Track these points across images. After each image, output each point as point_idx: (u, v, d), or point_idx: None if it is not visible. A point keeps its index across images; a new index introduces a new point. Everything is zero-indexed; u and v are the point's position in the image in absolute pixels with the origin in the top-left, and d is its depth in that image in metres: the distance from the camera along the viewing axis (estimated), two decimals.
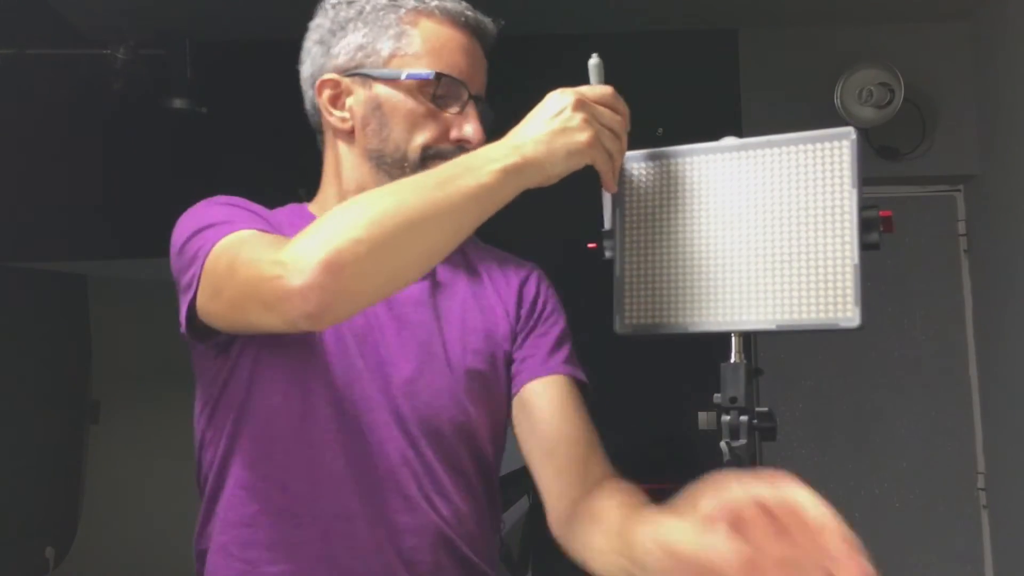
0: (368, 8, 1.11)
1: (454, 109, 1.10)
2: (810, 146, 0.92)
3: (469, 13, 1.12)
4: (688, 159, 0.98)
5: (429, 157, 1.09)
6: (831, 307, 0.88)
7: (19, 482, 3.25)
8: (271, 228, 1.01)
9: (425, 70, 1.08)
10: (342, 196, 1.12)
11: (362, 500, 1.04)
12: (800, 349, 3.35)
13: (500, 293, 1.19)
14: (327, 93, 1.12)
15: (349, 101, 1.11)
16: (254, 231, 0.97)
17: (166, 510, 3.55)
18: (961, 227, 3.48)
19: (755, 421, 0.90)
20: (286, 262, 0.86)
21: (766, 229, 0.93)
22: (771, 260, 0.92)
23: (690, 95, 3.34)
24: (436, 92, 1.09)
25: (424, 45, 1.09)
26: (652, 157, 1.01)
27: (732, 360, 0.94)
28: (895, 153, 3.35)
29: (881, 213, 0.89)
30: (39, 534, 3.46)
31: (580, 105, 0.95)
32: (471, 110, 1.11)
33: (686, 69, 3.43)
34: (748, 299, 0.93)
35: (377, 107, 1.10)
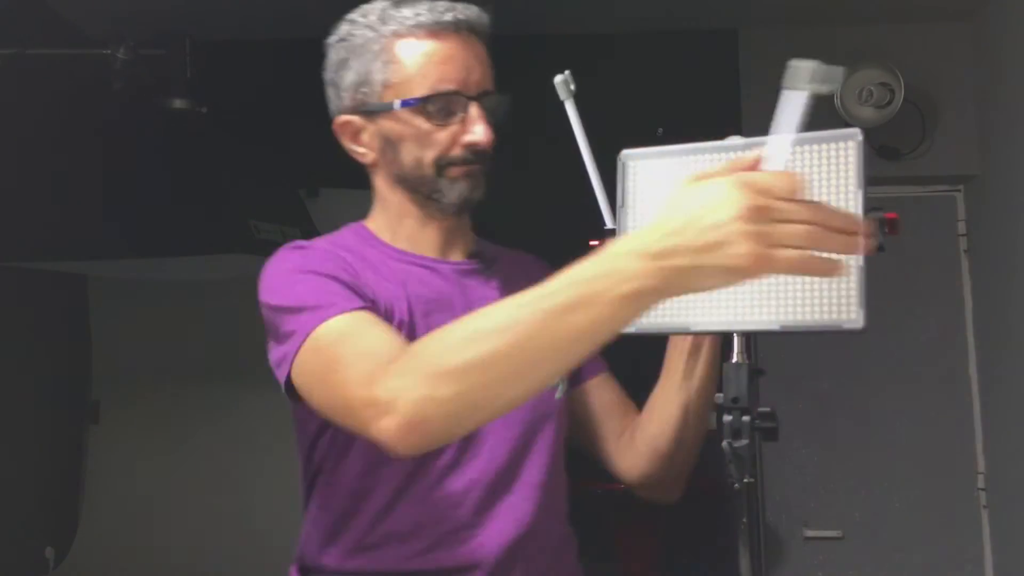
0: (357, 41, 1.15)
1: (457, 118, 1.13)
2: (816, 147, 0.92)
3: (447, 17, 1.13)
4: (693, 158, 0.98)
5: (444, 167, 1.14)
6: (835, 309, 0.88)
7: (19, 482, 3.24)
8: (353, 276, 1.09)
9: (416, 95, 1.12)
10: (389, 218, 1.21)
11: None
12: (801, 349, 3.34)
13: None
14: (346, 133, 1.19)
15: (364, 136, 1.18)
16: (345, 319, 1.02)
17: (166, 510, 3.54)
18: (961, 227, 3.48)
19: (756, 421, 0.90)
20: (379, 401, 0.90)
21: None
22: None
23: (690, 95, 3.34)
24: (432, 109, 1.12)
25: (410, 68, 1.13)
26: (656, 155, 1.01)
27: (734, 360, 0.94)
28: (895, 153, 3.35)
29: (886, 216, 0.89)
30: (39, 534, 3.45)
31: (755, 214, 0.74)
32: (474, 112, 1.13)
33: (686, 69, 3.42)
34: (752, 299, 0.93)
35: (385, 138, 1.16)
